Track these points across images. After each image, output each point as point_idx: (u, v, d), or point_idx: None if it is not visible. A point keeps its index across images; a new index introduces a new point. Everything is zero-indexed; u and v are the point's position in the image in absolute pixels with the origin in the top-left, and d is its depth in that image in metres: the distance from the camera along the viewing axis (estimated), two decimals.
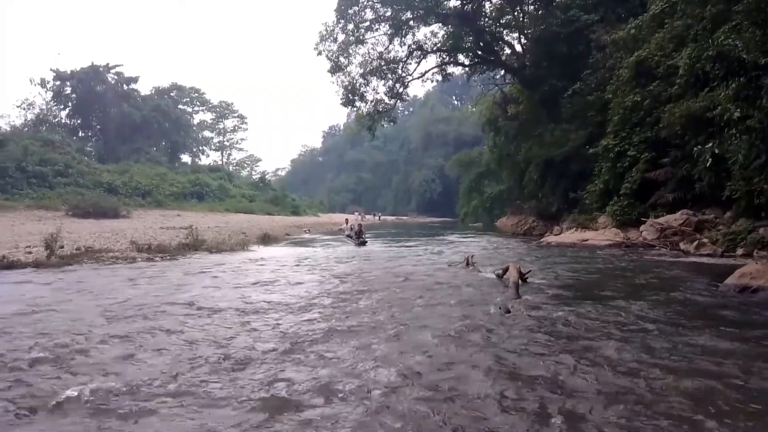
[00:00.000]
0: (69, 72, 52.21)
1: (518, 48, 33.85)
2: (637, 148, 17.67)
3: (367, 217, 64.16)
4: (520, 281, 7.61)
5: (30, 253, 11.11)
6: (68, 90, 52.32)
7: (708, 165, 13.73)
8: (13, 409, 3.06)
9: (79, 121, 53.39)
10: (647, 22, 18.33)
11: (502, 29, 34.22)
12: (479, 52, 34.32)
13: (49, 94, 51.65)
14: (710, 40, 13.98)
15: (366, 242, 18.22)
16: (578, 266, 10.92)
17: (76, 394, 3.27)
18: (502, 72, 36.90)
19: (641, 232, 16.16)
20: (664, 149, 16.57)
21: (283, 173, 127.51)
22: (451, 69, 37.12)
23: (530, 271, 8.68)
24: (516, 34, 33.92)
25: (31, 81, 51.78)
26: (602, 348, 4.40)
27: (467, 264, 10.73)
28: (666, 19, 17.35)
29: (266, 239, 19.65)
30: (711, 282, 8.06)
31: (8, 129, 42.86)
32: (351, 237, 19.60)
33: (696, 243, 13.38)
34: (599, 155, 19.82)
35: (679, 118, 15.16)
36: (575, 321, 5.44)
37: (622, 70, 19.18)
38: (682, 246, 13.84)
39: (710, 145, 13.63)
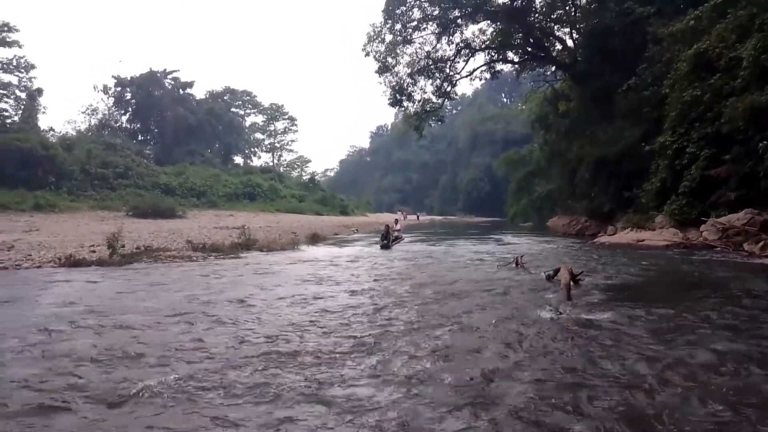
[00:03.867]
0: (129, 78, 54.93)
1: (570, 43, 33.09)
2: (697, 144, 16.86)
3: (410, 217, 64.14)
4: (571, 283, 7.42)
5: (94, 252, 11.78)
6: (128, 95, 55.02)
7: None
8: (94, 401, 3.28)
9: (138, 125, 56.00)
10: (708, 12, 17.51)
11: (552, 24, 33.54)
12: (529, 49, 33.75)
13: (111, 100, 54.67)
14: None
15: (390, 246, 16.98)
16: (634, 268, 10.58)
17: (153, 384, 3.48)
18: (553, 68, 36.06)
19: (701, 232, 15.44)
20: (726, 145, 15.73)
21: (331, 174, 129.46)
22: (499, 66, 36.68)
23: (582, 272, 8.47)
24: (567, 29, 33.19)
25: (94, 88, 55.17)
26: (662, 356, 4.22)
27: (516, 264, 10.61)
28: (728, 8, 16.53)
29: (315, 239, 20.01)
30: None
31: (74, 134, 45.53)
32: (397, 237, 19.32)
33: (761, 244, 12.68)
34: (656, 152, 19.06)
35: (742, 112, 14.41)
36: (630, 327, 5.22)
37: (680, 64, 18.36)
38: (746, 247, 13.14)
39: None
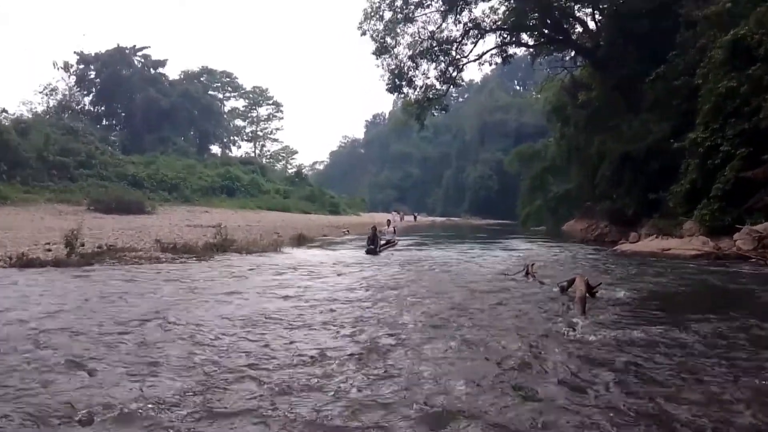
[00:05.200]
0: (93, 55, 54.83)
1: (591, 25, 33.07)
2: (732, 142, 16.90)
3: (407, 218, 64.13)
4: (587, 296, 7.41)
5: (50, 250, 11.71)
6: (92, 74, 54.87)
7: None
8: (38, 421, 3.23)
9: (102, 108, 55.87)
10: None
11: (573, 4, 33.43)
12: (546, 31, 33.70)
13: (73, 79, 54.47)
14: None
15: (378, 252, 16.66)
16: (658, 280, 10.61)
17: (102, 405, 3.43)
18: (572, 53, 36.10)
19: (735, 241, 15.50)
20: (765, 144, 15.80)
21: (321, 167, 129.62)
22: (512, 50, 36.62)
23: (600, 284, 8.48)
24: (589, 10, 33.07)
25: (54, 65, 55.04)
26: (683, 386, 4.15)
27: (527, 274, 10.59)
28: None
29: (301, 240, 19.98)
30: None
31: (30, 116, 45.19)
32: (389, 241, 19.03)
33: None
34: (686, 150, 19.11)
35: None
36: (651, 348, 5.18)
37: (715, 51, 18.42)
38: None
39: None
